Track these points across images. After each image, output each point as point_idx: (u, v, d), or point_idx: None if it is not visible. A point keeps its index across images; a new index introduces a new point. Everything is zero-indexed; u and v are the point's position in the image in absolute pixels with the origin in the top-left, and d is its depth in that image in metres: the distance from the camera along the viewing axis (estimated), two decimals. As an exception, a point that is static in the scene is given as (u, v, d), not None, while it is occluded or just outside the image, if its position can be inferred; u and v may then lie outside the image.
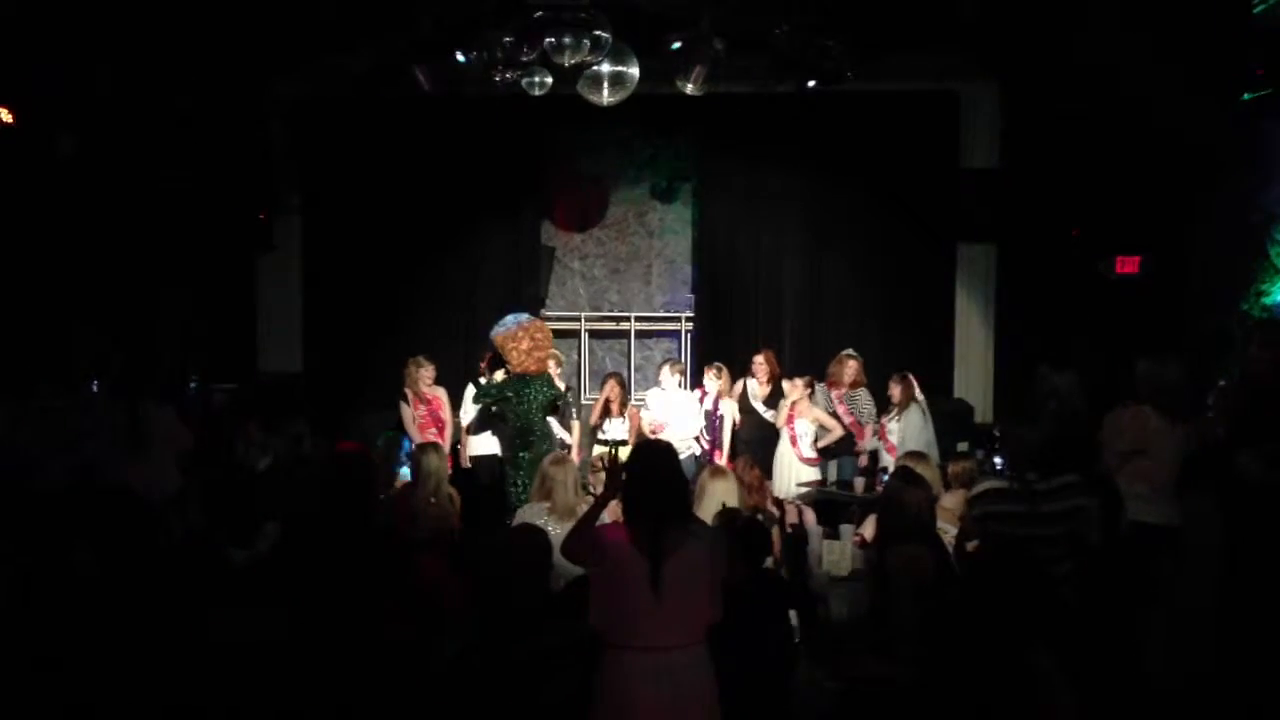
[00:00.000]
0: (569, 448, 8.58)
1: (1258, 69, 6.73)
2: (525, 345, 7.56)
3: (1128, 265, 8.88)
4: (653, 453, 3.95)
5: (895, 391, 8.36)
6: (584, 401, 10.06)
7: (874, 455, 8.61)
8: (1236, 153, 7.89)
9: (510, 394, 7.59)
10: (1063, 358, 5.89)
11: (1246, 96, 7.03)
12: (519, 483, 7.42)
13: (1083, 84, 8.54)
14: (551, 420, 8.60)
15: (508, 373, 7.69)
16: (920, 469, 5.54)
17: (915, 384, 8.43)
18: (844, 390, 8.72)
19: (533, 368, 7.59)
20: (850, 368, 8.76)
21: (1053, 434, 4.89)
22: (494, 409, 7.85)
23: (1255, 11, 6.25)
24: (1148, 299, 8.74)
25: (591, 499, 5.99)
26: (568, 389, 8.93)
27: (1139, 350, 6.52)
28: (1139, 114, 8.30)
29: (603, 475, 6.26)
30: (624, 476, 3.85)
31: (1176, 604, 5.48)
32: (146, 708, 3.42)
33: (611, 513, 4.07)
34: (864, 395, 8.72)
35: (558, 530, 5.46)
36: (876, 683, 4.03)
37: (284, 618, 3.67)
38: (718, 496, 5.29)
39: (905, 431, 8.15)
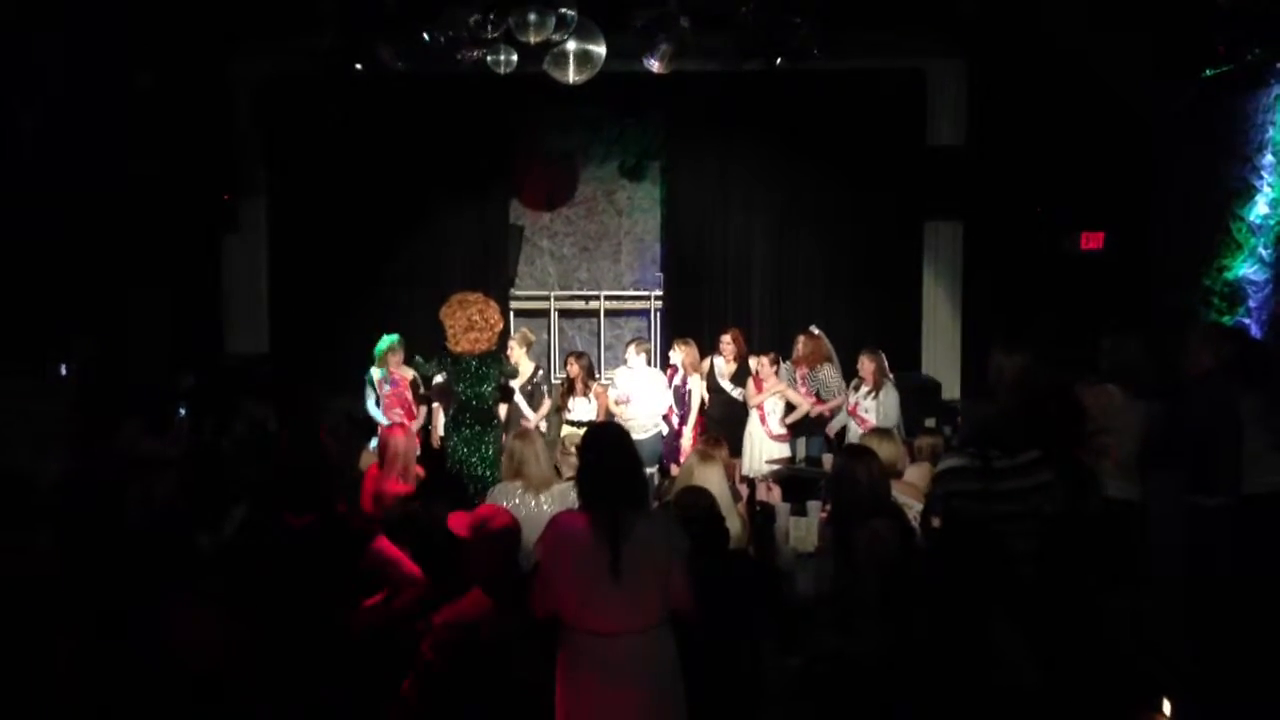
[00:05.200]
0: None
1: (1218, 46, 6.78)
2: (462, 324, 7.49)
3: (1093, 241, 8.95)
4: (605, 437, 3.94)
5: (868, 369, 8.32)
6: (554, 381, 10.06)
7: (842, 432, 8.64)
8: (1198, 129, 7.95)
9: (444, 372, 7.53)
10: (1015, 338, 5.91)
11: (1208, 73, 7.09)
12: (456, 464, 7.42)
13: (1048, 62, 8.58)
14: (521, 402, 8.62)
15: (447, 352, 7.66)
16: (884, 445, 5.57)
17: (886, 361, 8.45)
18: (806, 369, 8.74)
19: (466, 347, 7.50)
20: (802, 345, 8.78)
21: (1011, 411, 4.89)
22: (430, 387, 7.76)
23: (1217, -11, 6.31)
24: (1112, 275, 8.81)
25: (560, 478, 6.05)
26: (537, 368, 8.91)
27: (1104, 325, 6.58)
28: (1103, 91, 8.35)
29: (571, 458, 6.28)
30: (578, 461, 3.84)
31: (1143, 577, 5.55)
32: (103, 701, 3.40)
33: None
34: (827, 371, 8.73)
35: (534, 505, 5.48)
36: (840, 658, 4.06)
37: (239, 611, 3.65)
38: (708, 482, 5.26)
39: (885, 408, 8.17)
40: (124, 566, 3.83)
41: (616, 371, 9.25)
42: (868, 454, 4.67)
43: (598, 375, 9.55)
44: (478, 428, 7.68)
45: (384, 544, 3.98)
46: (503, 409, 8.62)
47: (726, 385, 8.88)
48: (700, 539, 4.09)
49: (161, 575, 3.85)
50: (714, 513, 4.51)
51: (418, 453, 6.89)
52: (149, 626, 3.53)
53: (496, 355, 7.89)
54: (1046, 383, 5.44)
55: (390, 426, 6.78)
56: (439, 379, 7.98)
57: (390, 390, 8.62)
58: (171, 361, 9.11)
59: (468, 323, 7.56)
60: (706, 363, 9.03)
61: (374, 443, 7.21)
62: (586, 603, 3.60)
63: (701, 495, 4.70)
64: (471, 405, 7.69)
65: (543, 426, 8.60)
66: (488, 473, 7.49)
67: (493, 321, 7.73)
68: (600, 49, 7.54)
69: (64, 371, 7.59)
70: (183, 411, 7.64)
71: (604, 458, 3.78)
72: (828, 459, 8.01)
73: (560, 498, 5.52)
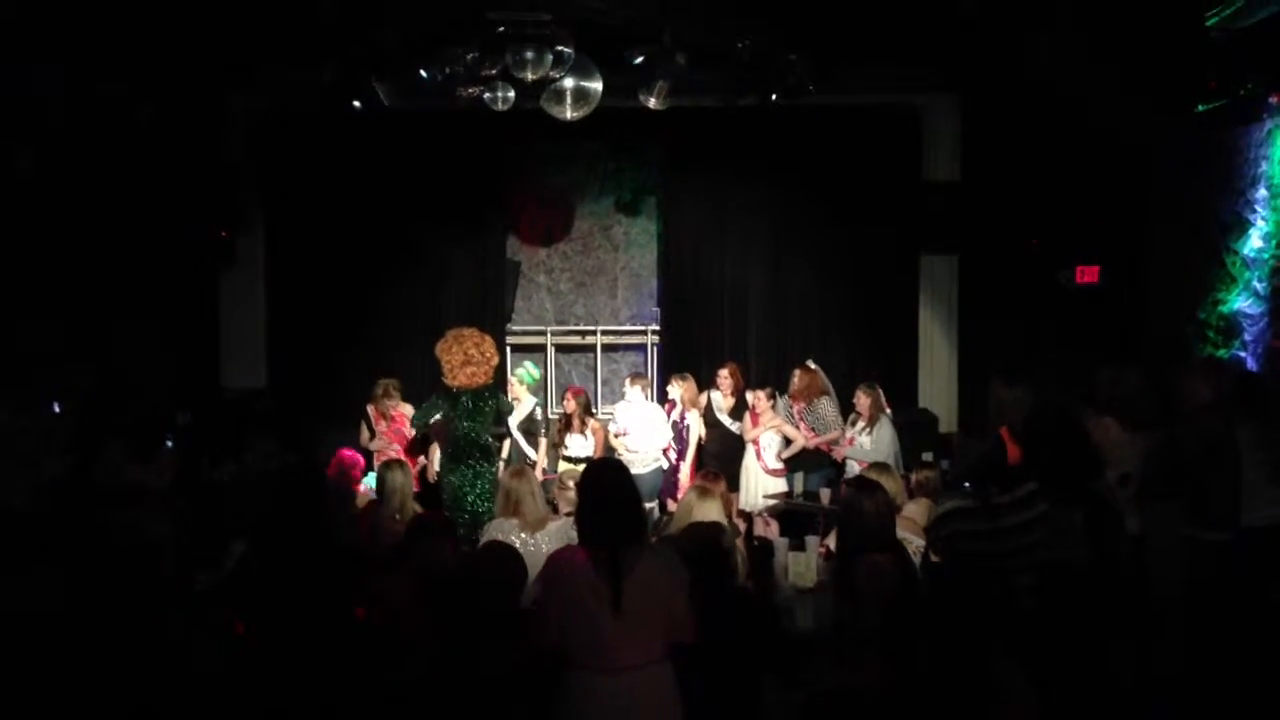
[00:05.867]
0: (533, 464, 8.61)
1: (1211, 81, 6.83)
2: (458, 359, 7.49)
3: (1088, 275, 8.98)
4: (604, 473, 3.93)
5: (864, 403, 8.36)
6: (551, 415, 10.05)
7: (840, 466, 8.62)
8: (1192, 164, 8.00)
9: (443, 409, 7.52)
10: (1014, 371, 5.92)
11: (1201, 108, 7.13)
12: (452, 499, 7.39)
13: (1042, 97, 8.64)
14: (521, 439, 8.61)
15: (443, 387, 7.64)
16: (884, 479, 5.56)
17: (883, 396, 8.47)
18: (803, 404, 8.73)
19: (463, 381, 7.50)
20: (798, 380, 8.77)
21: (1026, 443, 4.88)
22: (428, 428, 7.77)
23: (1208, 24, 6.34)
24: (1108, 308, 8.84)
25: (555, 513, 6.05)
26: (536, 405, 8.93)
27: (1100, 359, 6.60)
28: (1098, 126, 8.40)
29: (569, 494, 6.28)
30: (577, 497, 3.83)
31: (1143, 610, 5.53)
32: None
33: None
34: (824, 405, 8.72)
35: (531, 543, 5.47)
36: (841, 694, 4.04)
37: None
38: (707, 518, 5.24)
39: (878, 444, 8.17)
40: (115, 598, 3.80)
41: (616, 407, 9.25)
42: (875, 487, 4.66)
43: (595, 411, 9.54)
44: (471, 463, 7.64)
45: (381, 578, 3.97)
46: (505, 444, 8.60)
47: (725, 419, 8.90)
48: (706, 572, 4.08)
49: (156, 606, 3.83)
50: (723, 547, 4.50)
51: (415, 489, 6.88)
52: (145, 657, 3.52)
53: (494, 389, 7.87)
54: (1053, 415, 5.44)
55: (387, 461, 6.75)
56: (438, 417, 7.96)
57: (387, 426, 8.62)
58: (168, 396, 9.09)
59: (464, 357, 7.54)
60: (704, 397, 9.04)
61: (371, 478, 7.19)
62: (587, 640, 3.58)
63: (712, 529, 4.69)
64: (469, 439, 7.66)
65: (544, 463, 8.62)
66: (483, 507, 7.46)
67: (489, 355, 7.72)
68: (597, 85, 7.59)
69: (57, 408, 7.54)
70: (170, 443, 7.58)
71: (603, 494, 3.76)
72: (825, 494, 8.01)
73: (557, 535, 5.53)
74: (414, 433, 8.44)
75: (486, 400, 7.69)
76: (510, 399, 8.57)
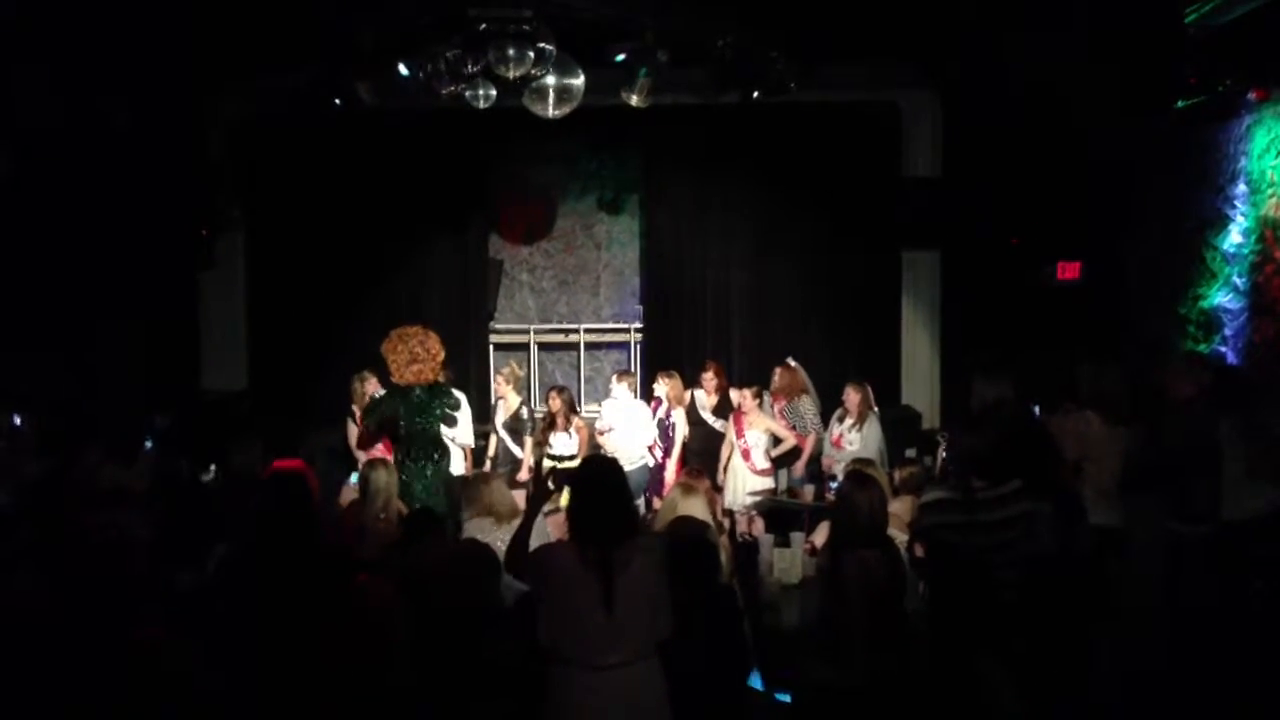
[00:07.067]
0: (519, 463, 8.60)
1: (1190, 77, 6.85)
2: (404, 358, 7.44)
3: (1069, 271, 9.01)
4: (597, 469, 3.93)
5: (853, 400, 8.29)
6: (536, 414, 10.02)
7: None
8: (1171, 160, 8.03)
9: (394, 407, 7.48)
10: (995, 367, 5.95)
11: (1180, 104, 7.16)
12: (402, 494, 7.32)
13: (1021, 94, 8.66)
14: (507, 437, 8.57)
15: (392, 385, 7.59)
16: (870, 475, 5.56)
17: (871, 393, 8.44)
18: (783, 402, 8.71)
19: (410, 379, 7.46)
20: (779, 378, 8.76)
21: (996, 441, 4.91)
22: (379, 426, 7.68)
23: (1187, 20, 6.37)
24: (1089, 304, 8.87)
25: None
26: (522, 404, 8.90)
27: (1081, 355, 6.64)
28: (1076, 122, 8.43)
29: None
30: (566, 493, 3.84)
31: (1123, 603, 5.57)
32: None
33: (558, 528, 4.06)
34: (805, 403, 8.70)
35: (505, 539, 5.47)
36: (828, 690, 4.04)
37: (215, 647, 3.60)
38: (691, 513, 5.24)
39: (867, 441, 8.14)
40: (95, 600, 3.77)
41: (603, 404, 9.24)
42: (871, 482, 4.67)
43: (578, 409, 9.52)
44: (423, 459, 7.54)
45: (366, 581, 3.96)
46: (492, 443, 8.55)
47: (708, 417, 8.88)
48: (691, 569, 4.08)
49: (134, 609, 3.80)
50: (707, 544, 4.49)
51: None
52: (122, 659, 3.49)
53: (440, 385, 7.80)
54: (1011, 411, 5.48)
55: (371, 460, 6.70)
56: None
57: (372, 425, 8.56)
58: (148, 398, 9.02)
59: (410, 356, 7.49)
60: (688, 395, 9.03)
61: (354, 477, 7.15)
62: (577, 636, 3.58)
63: (696, 526, 4.69)
64: (423, 435, 7.57)
65: (530, 461, 8.60)
66: (432, 502, 7.35)
67: (434, 352, 7.67)
68: (579, 83, 7.57)
69: (17, 422, 7.40)
70: (149, 444, 7.51)
71: (596, 491, 3.77)
72: (809, 490, 8.02)
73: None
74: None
75: (437, 396, 7.63)
76: (495, 398, 8.54)
